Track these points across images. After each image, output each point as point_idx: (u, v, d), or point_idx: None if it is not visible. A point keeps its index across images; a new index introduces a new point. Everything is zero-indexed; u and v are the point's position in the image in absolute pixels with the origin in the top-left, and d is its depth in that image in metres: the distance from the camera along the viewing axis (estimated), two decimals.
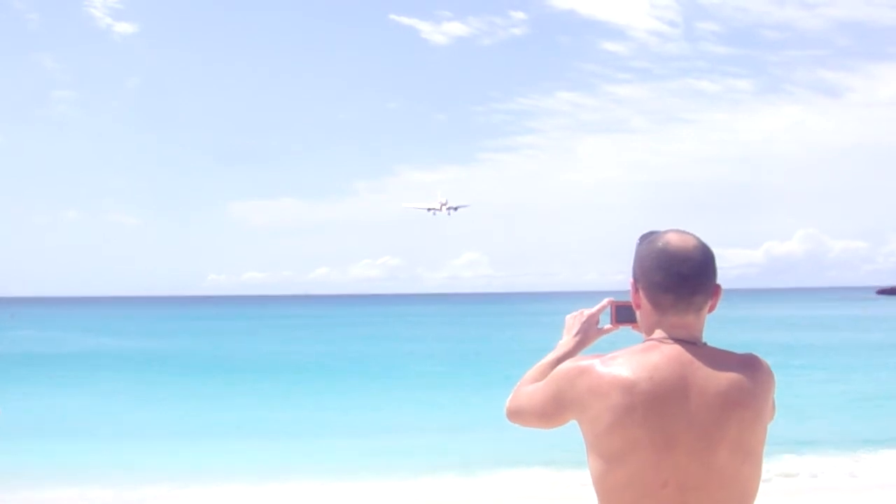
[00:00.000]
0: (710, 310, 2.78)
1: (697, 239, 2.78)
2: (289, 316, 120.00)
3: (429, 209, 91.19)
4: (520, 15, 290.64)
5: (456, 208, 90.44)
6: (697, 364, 2.66)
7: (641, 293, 2.80)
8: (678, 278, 2.71)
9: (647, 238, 2.83)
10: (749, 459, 2.67)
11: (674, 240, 2.75)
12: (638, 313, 2.87)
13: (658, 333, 2.75)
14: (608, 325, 3.14)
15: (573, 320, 3.17)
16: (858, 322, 77.23)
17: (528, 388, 2.96)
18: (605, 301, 3.15)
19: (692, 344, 2.71)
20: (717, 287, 2.78)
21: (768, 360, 2.81)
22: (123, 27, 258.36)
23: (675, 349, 2.69)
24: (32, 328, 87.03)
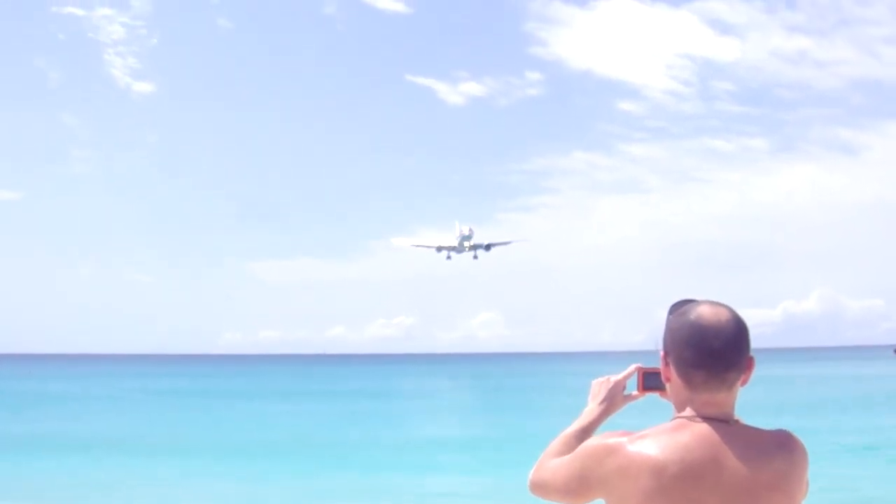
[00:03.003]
0: (743, 383, 2.69)
1: (731, 311, 2.68)
2: (305, 375, 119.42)
3: (439, 249, 69.84)
4: (536, 75, 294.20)
5: (487, 247, 68.69)
6: (730, 446, 2.58)
7: (672, 367, 2.71)
8: (710, 354, 2.61)
9: (679, 309, 2.75)
10: None
11: (706, 312, 2.66)
12: (668, 385, 2.78)
13: (688, 411, 2.66)
14: (635, 392, 3.04)
15: (599, 387, 3.07)
16: (876, 381, 76.35)
17: (554, 461, 2.86)
18: (632, 367, 3.06)
19: (724, 422, 2.63)
20: (751, 360, 2.69)
21: (790, 424, 2.74)
22: (142, 86, 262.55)
23: (707, 430, 2.60)
24: (41, 383, 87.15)
